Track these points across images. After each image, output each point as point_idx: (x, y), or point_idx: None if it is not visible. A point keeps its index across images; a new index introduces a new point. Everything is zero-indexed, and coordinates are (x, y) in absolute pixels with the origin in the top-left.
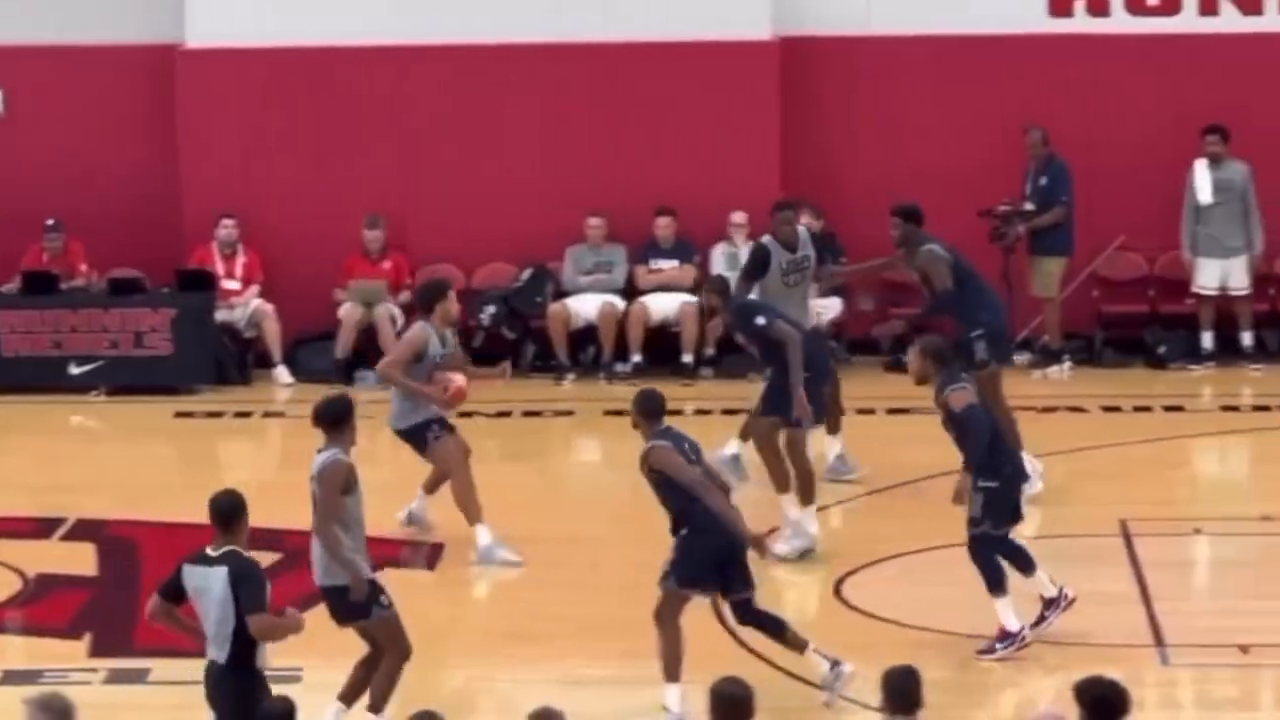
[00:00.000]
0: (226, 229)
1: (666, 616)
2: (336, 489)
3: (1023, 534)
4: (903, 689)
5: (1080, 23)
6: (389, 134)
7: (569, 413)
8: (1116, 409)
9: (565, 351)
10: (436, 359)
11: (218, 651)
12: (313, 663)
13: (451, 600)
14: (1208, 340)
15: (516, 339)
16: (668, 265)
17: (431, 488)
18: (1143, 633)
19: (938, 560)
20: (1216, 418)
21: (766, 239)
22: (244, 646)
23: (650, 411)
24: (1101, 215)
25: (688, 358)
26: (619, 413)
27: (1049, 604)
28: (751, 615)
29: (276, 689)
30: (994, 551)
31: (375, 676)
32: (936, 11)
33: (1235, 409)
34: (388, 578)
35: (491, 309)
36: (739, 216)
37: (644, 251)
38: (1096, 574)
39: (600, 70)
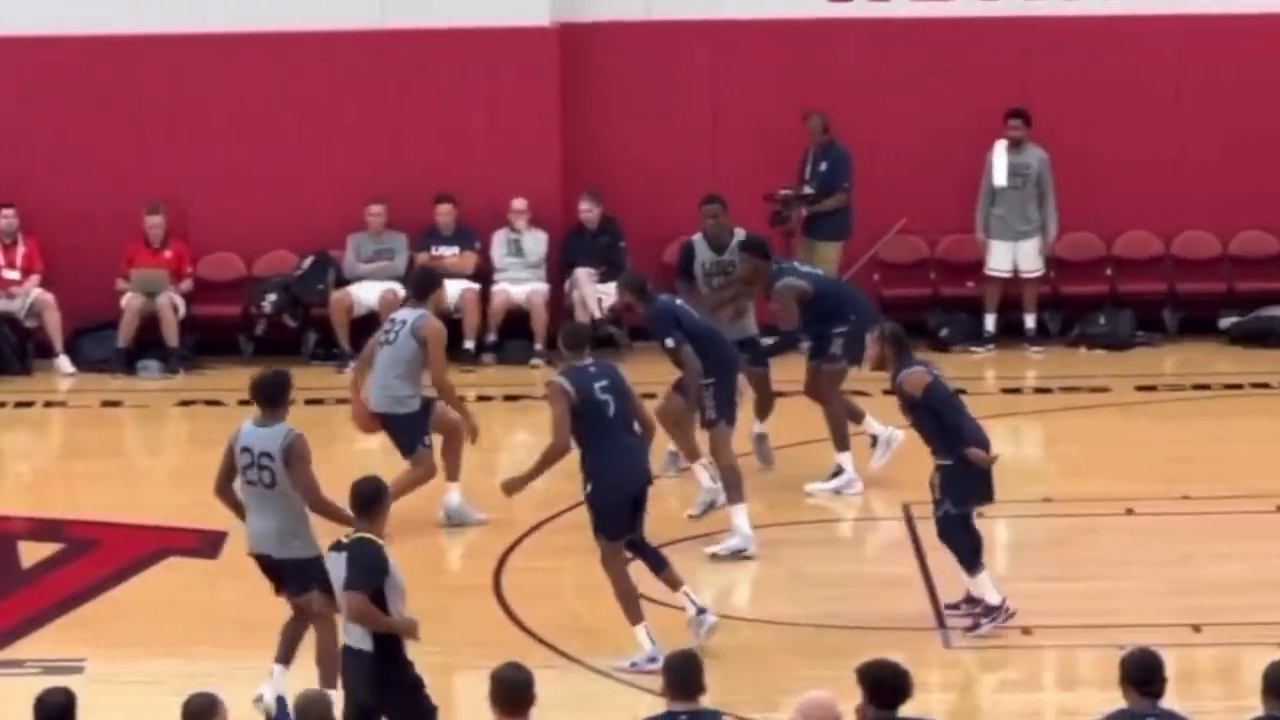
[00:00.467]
0: (6, 218)
1: (611, 565)
2: (308, 461)
3: (803, 519)
4: (684, 672)
5: (861, 7)
6: (170, 122)
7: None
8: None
9: (347, 339)
10: None
11: (359, 638)
12: (97, 652)
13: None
14: (990, 323)
15: (298, 327)
16: (449, 252)
17: (453, 474)
18: (925, 615)
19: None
20: (998, 400)
21: (696, 236)
22: (382, 635)
23: (568, 344)
24: (883, 199)
25: (469, 344)
26: None
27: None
28: (638, 549)
29: (57, 680)
30: (961, 529)
31: (319, 657)
32: None
33: (1017, 391)
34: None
35: (273, 297)
36: (519, 203)
37: (425, 238)
38: (879, 557)
39: (380, 58)
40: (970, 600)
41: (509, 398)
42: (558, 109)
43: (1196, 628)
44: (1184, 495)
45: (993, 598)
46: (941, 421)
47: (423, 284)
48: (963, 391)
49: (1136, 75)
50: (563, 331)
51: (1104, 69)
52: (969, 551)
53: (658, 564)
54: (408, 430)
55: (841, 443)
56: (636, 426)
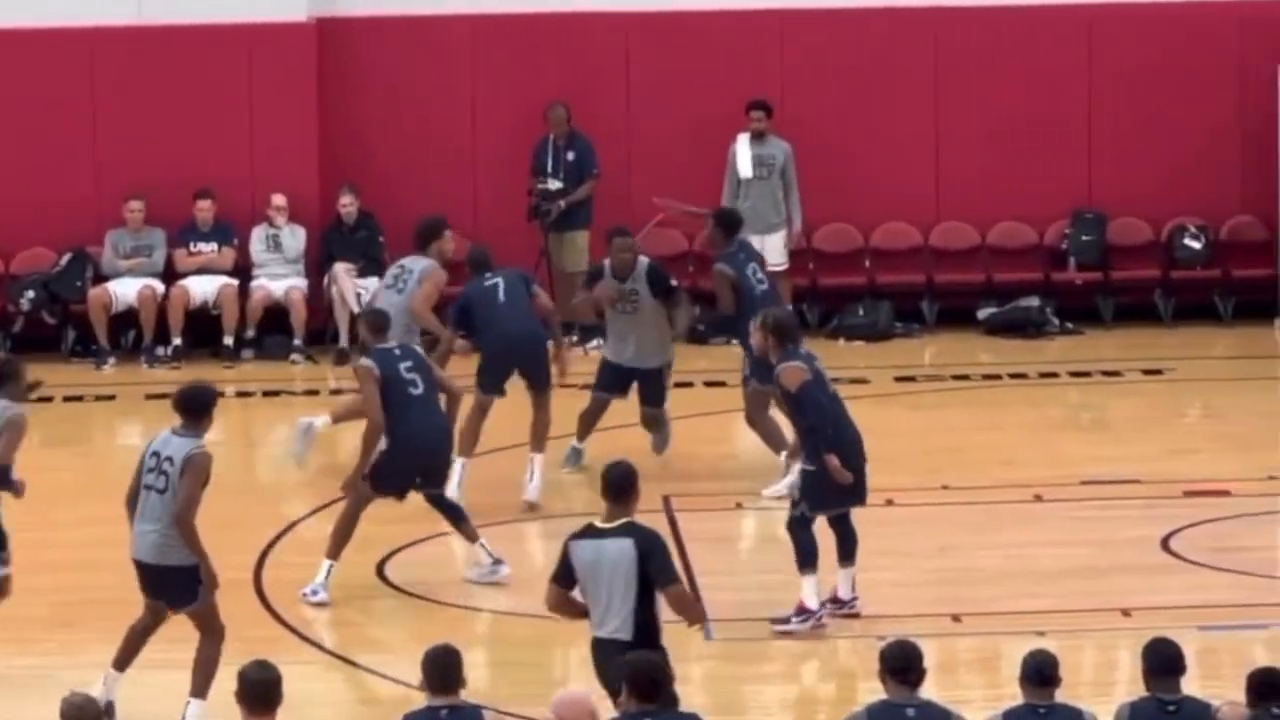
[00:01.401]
0: None
1: (353, 505)
2: (201, 478)
3: (555, 511)
4: (441, 668)
5: (615, 0)
6: None
7: (110, 397)
8: (720, 384)
9: (106, 336)
10: None
11: (618, 628)
12: None
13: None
14: None
15: (57, 324)
16: (207, 248)
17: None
18: None
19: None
20: None
21: (606, 261)
22: (646, 621)
23: (371, 329)
24: (641, 192)
25: (228, 340)
26: (161, 396)
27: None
28: (440, 504)
29: None
30: (805, 531)
31: (197, 662)
32: None
33: None
34: None
35: (31, 294)
36: (278, 199)
37: (183, 234)
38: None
39: (137, 53)
40: (835, 600)
41: (268, 393)
42: (315, 104)
43: (956, 617)
44: (943, 485)
45: (811, 602)
46: (806, 420)
47: (425, 233)
48: (720, 384)
49: (894, 66)
50: (364, 318)
51: (861, 60)
52: (807, 554)
53: (457, 517)
54: None
55: (779, 446)
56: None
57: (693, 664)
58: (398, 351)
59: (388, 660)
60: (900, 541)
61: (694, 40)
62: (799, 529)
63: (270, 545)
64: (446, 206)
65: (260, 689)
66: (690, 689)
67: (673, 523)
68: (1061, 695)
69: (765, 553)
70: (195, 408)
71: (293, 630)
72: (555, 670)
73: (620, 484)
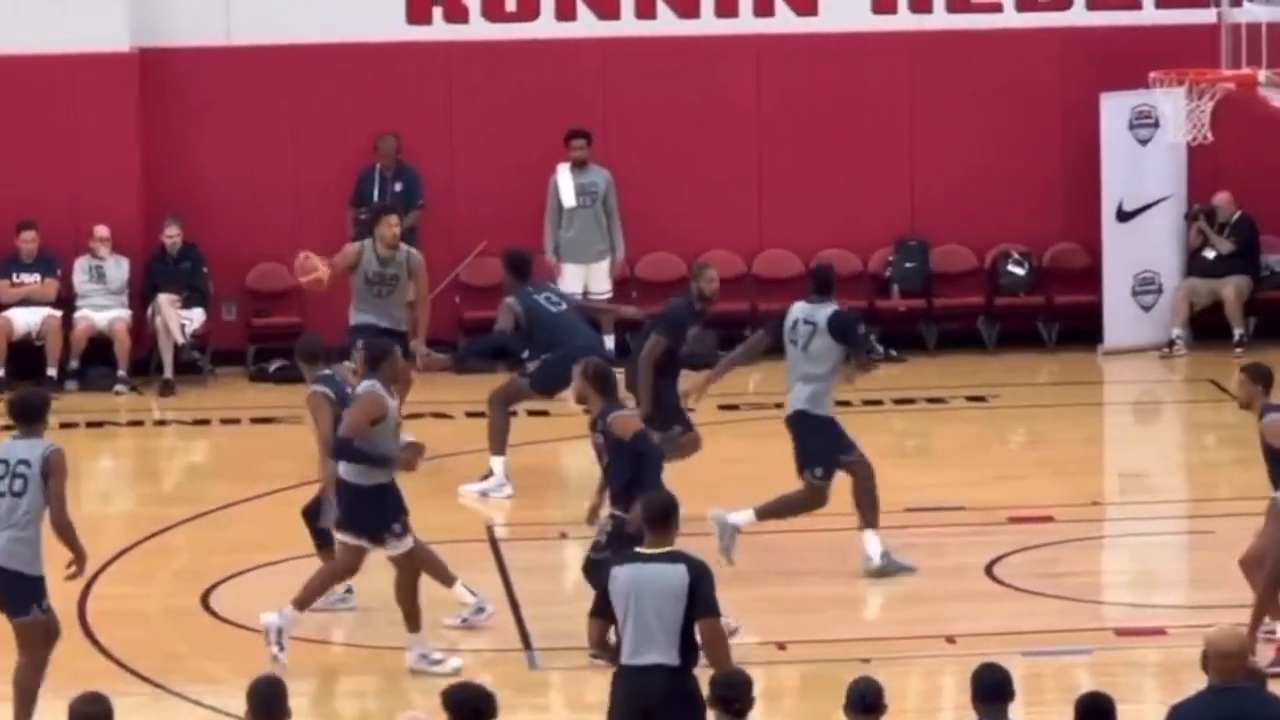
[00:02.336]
0: None
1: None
2: (65, 474)
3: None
4: (265, 699)
5: (439, 30)
6: None
7: None
8: (480, 415)
9: None
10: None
11: (664, 654)
12: None
13: None
14: None
15: None
16: (30, 279)
17: None
18: (511, 638)
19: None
20: (580, 420)
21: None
22: (689, 649)
23: (305, 358)
24: (464, 221)
25: (51, 371)
26: None
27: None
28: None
29: None
30: (603, 575)
31: (15, 680)
32: (296, 21)
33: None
34: None
35: None
36: (101, 230)
37: (6, 265)
38: (464, 579)
39: None
40: None
41: (92, 424)
42: (138, 134)
43: (781, 645)
44: None
45: None
46: (639, 470)
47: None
48: (544, 413)
49: (716, 93)
50: (299, 348)
51: (683, 87)
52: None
53: (324, 540)
54: None
55: (496, 448)
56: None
57: (519, 694)
58: (338, 378)
59: (214, 691)
60: (725, 570)
61: (515, 69)
62: (597, 575)
63: (94, 577)
64: (270, 238)
65: None
66: (516, 718)
67: (496, 552)
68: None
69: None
70: (31, 412)
71: (117, 662)
72: (387, 698)
73: (663, 513)
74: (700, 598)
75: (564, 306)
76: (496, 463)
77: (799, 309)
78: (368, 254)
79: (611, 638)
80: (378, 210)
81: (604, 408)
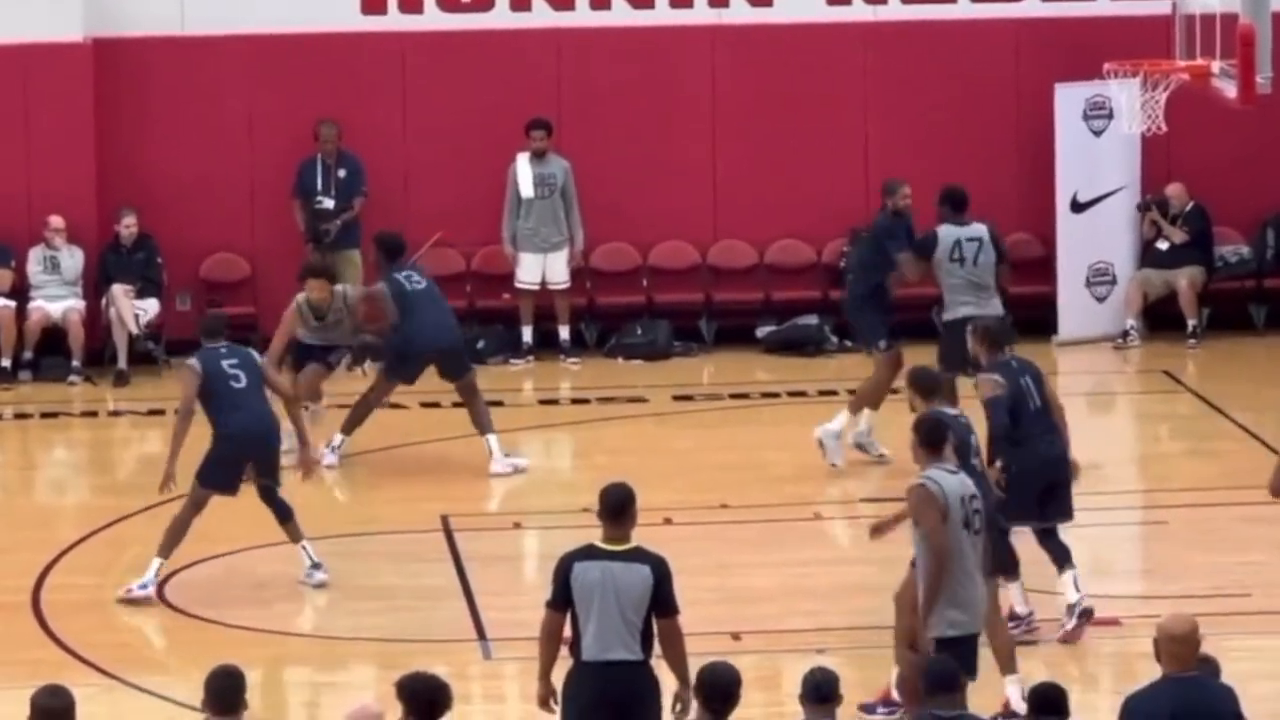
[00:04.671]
0: None
1: (187, 507)
2: None
3: (343, 532)
4: (222, 690)
5: (393, 20)
6: None
7: None
8: (436, 405)
9: None
10: None
11: (629, 650)
12: None
13: None
14: (528, 334)
15: None
16: None
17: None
18: (465, 627)
19: (258, 559)
20: (537, 411)
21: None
22: (648, 643)
23: (205, 333)
24: (420, 212)
25: (5, 362)
26: None
27: None
28: (269, 498)
29: None
30: None
31: None
32: (251, 11)
33: (555, 402)
34: None
35: None
36: (56, 220)
37: None
38: (418, 570)
39: None
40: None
41: (46, 415)
42: (93, 125)
43: (736, 635)
44: (722, 504)
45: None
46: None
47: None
48: (499, 403)
49: (672, 84)
50: (201, 324)
51: (639, 78)
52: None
53: (284, 515)
54: None
55: (348, 426)
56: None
57: (473, 683)
58: (223, 349)
59: (169, 682)
60: (679, 560)
61: (471, 60)
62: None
63: (48, 568)
64: (224, 228)
65: (53, 716)
66: (470, 708)
67: (451, 542)
68: (843, 713)
69: (544, 571)
70: None
71: (72, 653)
72: (341, 690)
73: (619, 505)
74: (663, 596)
75: (423, 285)
76: (492, 440)
77: (952, 231)
78: (304, 312)
79: (567, 632)
80: (304, 271)
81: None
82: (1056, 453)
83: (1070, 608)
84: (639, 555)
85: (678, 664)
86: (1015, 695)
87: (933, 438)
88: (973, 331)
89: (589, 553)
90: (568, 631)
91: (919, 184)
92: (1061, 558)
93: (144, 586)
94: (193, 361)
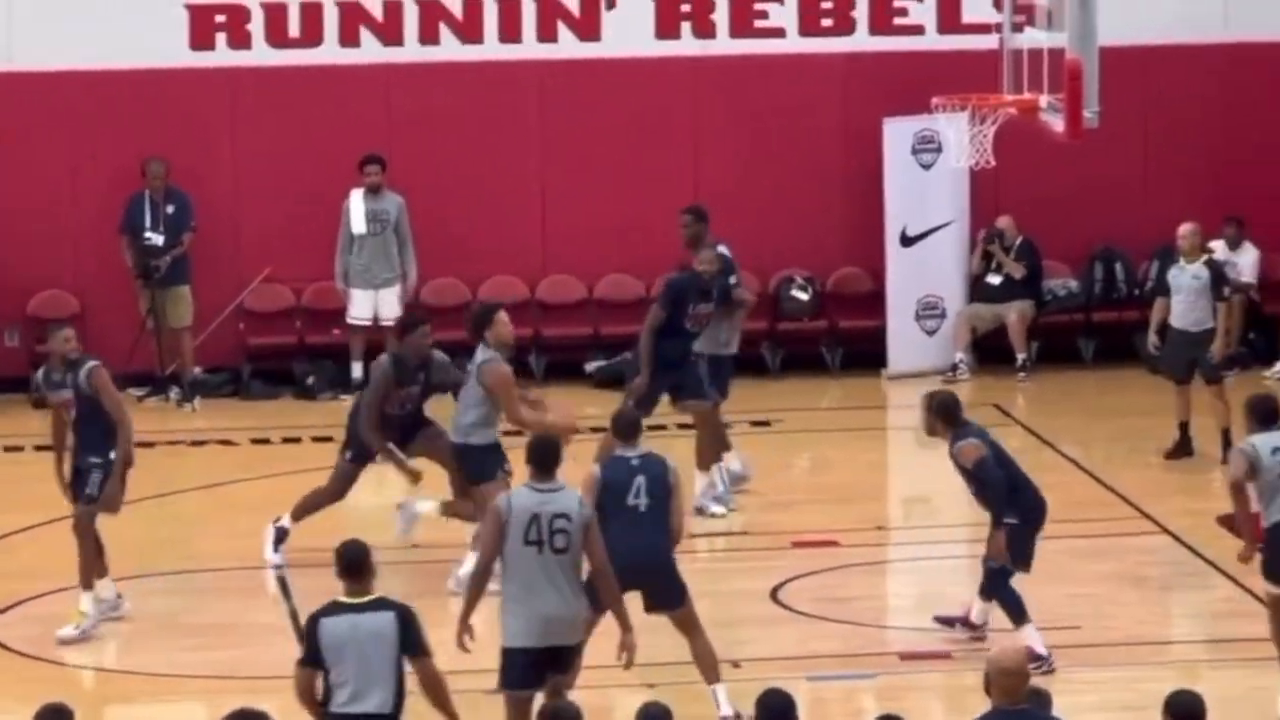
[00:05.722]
0: None
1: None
2: None
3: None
4: None
5: (222, 56)
6: None
7: None
8: (266, 441)
9: None
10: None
11: (381, 702)
12: None
13: None
14: (358, 370)
15: None
16: None
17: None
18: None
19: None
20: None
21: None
22: (400, 693)
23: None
24: (249, 248)
25: None
26: None
27: None
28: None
29: None
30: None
31: None
32: (79, 46)
33: None
34: None
35: None
36: None
37: None
38: (246, 606)
39: None
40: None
41: None
42: None
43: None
44: None
45: (1040, 649)
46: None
47: (477, 320)
48: (328, 439)
49: (500, 118)
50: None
51: (468, 112)
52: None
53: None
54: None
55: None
56: None
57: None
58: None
59: None
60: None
61: (302, 95)
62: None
63: None
64: (52, 264)
65: None
66: None
67: (282, 580)
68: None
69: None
70: None
71: None
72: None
73: (356, 563)
74: (411, 639)
75: None
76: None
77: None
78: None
79: (319, 688)
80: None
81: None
82: (1043, 499)
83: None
84: (382, 604)
85: (443, 705)
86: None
87: (544, 460)
88: (929, 407)
89: (335, 609)
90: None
91: (749, 218)
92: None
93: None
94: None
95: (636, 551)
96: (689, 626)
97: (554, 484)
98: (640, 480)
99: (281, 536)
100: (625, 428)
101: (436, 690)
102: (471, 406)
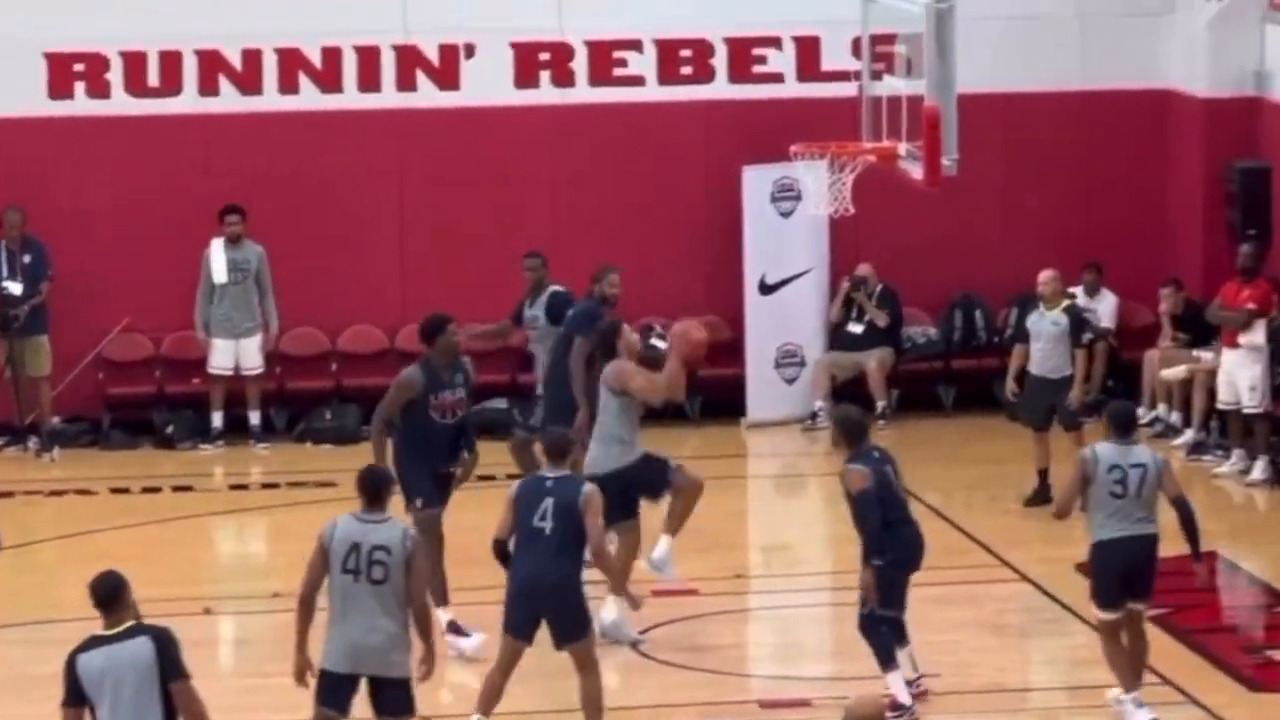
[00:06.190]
0: None
1: None
2: None
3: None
4: None
5: (80, 105)
6: None
7: None
8: (126, 490)
9: None
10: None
11: None
12: None
13: None
14: (218, 419)
15: None
16: None
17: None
18: None
19: None
20: (227, 496)
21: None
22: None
23: None
24: (107, 297)
25: None
26: None
27: None
28: None
29: None
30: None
31: None
32: None
33: (245, 487)
34: None
35: None
36: None
37: None
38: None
39: None
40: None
41: None
42: None
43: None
44: None
45: (903, 698)
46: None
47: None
48: (188, 488)
49: (359, 168)
50: None
51: (328, 163)
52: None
53: None
54: None
55: None
56: None
57: None
58: None
59: None
60: None
61: (162, 144)
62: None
63: None
64: None
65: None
66: None
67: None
68: None
69: (236, 657)
70: None
71: None
72: None
73: (112, 593)
74: (169, 663)
75: None
76: None
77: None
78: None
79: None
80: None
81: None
82: (920, 541)
83: (910, 682)
84: (138, 630)
85: None
86: None
87: (373, 491)
88: (834, 421)
89: (91, 643)
90: None
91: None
92: (900, 636)
93: None
94: None
95: (534, 575)
96: (585, 664)
97: (379, 515)
98: (549, 502)
99: (455, 629)
100: (551, 447)
101: (193, 712)
102: None
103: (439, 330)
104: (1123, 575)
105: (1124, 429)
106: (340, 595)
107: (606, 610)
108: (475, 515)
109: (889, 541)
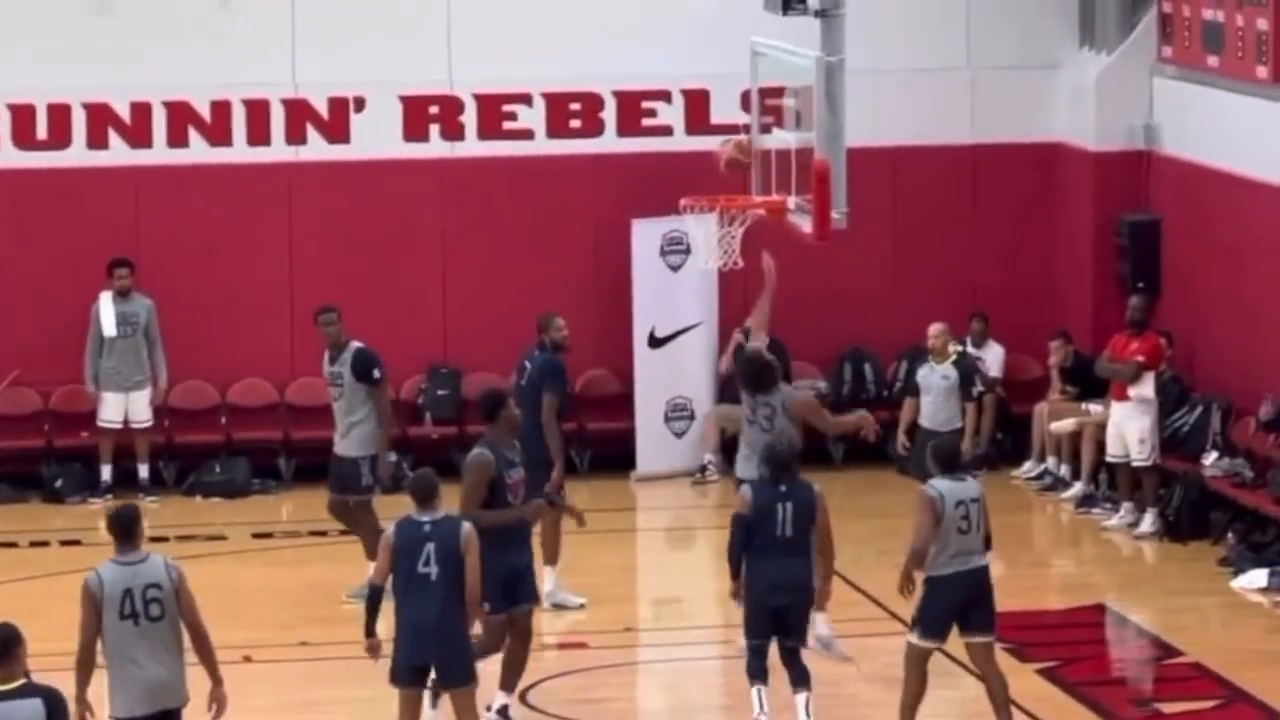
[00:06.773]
0: None
1: None
2: None
3: None
4: None
5: None
6: None
7: None
8: (14, 545)
9: None
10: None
11: None
12: None
13: None
14: (107, 473)
15: None
16: None
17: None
18: None
19: None
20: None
21: None
22: None
23: None
24: None
25: None
26: None
27: None
28: None
29: None
30: None
31: None
32: None
33: None
34: None
35: None
36: None
37: None
38: None
39: None
40: None
41: None
42: None
43: None
44: (302, 641)
45: None
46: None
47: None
48: (77, 542)
49: (249, 222)
50: None
51: (216, 217)
52: None
53: None
54: None
55: None
56: None
57: None
58: None
59: None
60: (259, 699)
61: (49, 197)
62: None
63: None
64: None
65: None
66: None
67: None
68: None
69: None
70: None
71: None
72: None
73: (4, 646)
74: None
75: None
76: None
77: None
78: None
79: None
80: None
81: None
82: (787, 576)
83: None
84: (29, 690)
85: None
86: None
87: (126, 532)
88: (765, 446)
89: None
90: None
91: (498, 320)
92: (798, 679)
93: None
94: None
95: (425, 623)
96: (465, 710)
97: (138, 555)
98: (430, 547)
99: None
100: (417, 490)
101: None
102: None
103: (500, 405)
104: (961, 609)
105: (950, 464)
106: (121, 642)
107: (821, 625)
108: None
109: (751, 571)
